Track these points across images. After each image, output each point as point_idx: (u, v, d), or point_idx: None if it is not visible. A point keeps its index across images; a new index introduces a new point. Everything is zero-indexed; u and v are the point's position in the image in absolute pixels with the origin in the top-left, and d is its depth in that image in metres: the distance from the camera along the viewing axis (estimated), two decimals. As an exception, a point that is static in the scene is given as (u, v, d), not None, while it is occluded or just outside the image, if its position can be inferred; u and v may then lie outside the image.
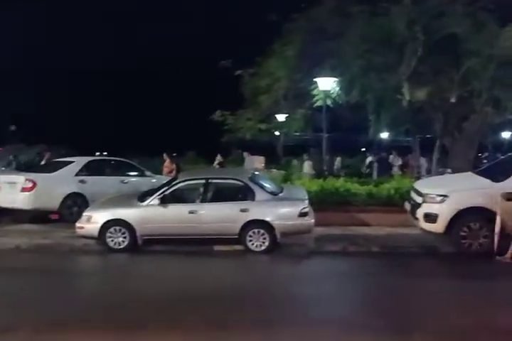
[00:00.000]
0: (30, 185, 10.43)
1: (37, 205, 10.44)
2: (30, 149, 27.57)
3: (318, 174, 13.85)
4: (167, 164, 14.08)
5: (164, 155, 14.46)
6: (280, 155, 24.80)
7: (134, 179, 12.23)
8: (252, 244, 8.34)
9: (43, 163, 15.05)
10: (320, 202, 10.02)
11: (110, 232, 8.44)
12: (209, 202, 8.66)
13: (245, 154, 17.41)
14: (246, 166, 16.21)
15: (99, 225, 8.44)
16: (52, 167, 11.74)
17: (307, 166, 16.24)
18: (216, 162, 17.46)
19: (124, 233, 8.45)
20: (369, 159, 20.01)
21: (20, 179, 10.65)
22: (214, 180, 8.95)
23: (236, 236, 8.40)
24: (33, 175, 10.90)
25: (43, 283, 6.74)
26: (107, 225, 8.44)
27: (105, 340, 4.74)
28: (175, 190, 8.78)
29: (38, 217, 10.73)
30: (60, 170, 11.37)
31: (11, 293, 6.17)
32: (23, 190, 10.45)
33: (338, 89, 14.72)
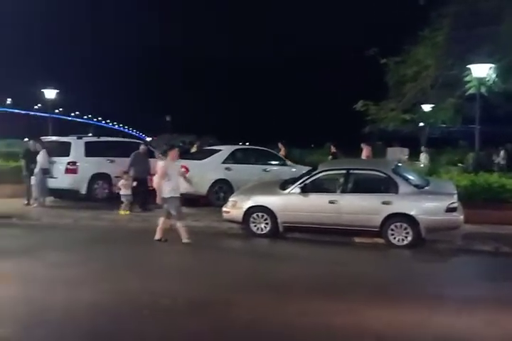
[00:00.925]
0: (183, 170, 11.33)
1: (188, 190, 11.31)
2: (182, 138, 30.04)
3: (476, 169, 12.63)
4: (282, 153, 14.54)
5: (279, 144, 14.93)
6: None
7: (275, 168, 12.67)
8: (394, 238, 8.10)
9: (193, 150, 16.25)
10: (469, 198, 9.33)
11: (253, 218, 8.84)
12: (349, 192, 8.60)
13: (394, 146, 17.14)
14: (388, 157, 15.75)
15: (243, 210, 8.89)
16: (202, 154, 12.67)
17: (423, 158, 15.53)
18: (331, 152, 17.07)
19: (266, 219, 8.79)
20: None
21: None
22: (355, 171, 8.84)
23: (377, 229, 8.22)
24: (185, 162, 11.84)
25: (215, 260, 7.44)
26: (251, 211, 8.84)
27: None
28: (316, 179, 8.87)
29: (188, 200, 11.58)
30: (209, 157, 12.23)
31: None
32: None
33: (494, 76, 13.52)
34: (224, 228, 9.40)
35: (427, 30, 15.56)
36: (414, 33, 16.21)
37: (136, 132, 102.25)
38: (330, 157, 16.65)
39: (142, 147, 12.18)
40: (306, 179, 8.89)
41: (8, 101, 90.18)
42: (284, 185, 9.26)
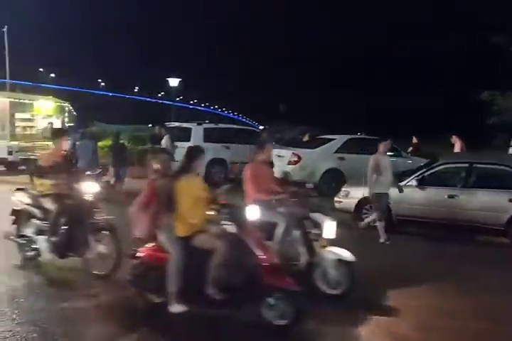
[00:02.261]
0: (295, 158, 11.49)
1: (300, 177, 11.45)
2: (294, 128, 30.24)
3: None
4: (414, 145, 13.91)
5: (414, 138, 14.22)
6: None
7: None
8: (521, 238, 7.50)
9: (305, 139, 16.32)
10: None
11: (366, 209, 8.71)
12: (471, 187, 8.08)
13: None
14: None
15: (356, 201, 8.80)
16: (315, 143, 12.70)
17: None
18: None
19: (379, 211, 8.60)
20: None
21: (288, 153, 11.83)
22: (478, 165, 8.28)
23: (501, 228, 7.66)
24: (298, 150, 11.99)
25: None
26: (364, 202, 8.72)
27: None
28: (434, 172, 8.48)
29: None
30: (322, 146, 12.23)
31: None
32: (290, 162, 11.60)
33: None
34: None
35: None
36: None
37: (249, 120, 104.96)
38: (410, 148, 15.34)
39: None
40: (424, 171, 8.53)
41: (136, 89, 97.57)
42: (400, 176, 8.96)
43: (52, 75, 74.31)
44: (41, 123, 15.81)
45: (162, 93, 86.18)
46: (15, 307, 4.62)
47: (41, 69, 73.02)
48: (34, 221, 5.83)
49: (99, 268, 5.45)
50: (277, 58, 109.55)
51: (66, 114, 16.55)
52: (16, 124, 14.98)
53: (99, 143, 15.00)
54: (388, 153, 12.32)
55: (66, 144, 6.21)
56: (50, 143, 14.07)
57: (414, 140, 15.26)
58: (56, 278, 5.58)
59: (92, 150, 11.52)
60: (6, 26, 33.35)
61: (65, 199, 5.61)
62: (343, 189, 9.27)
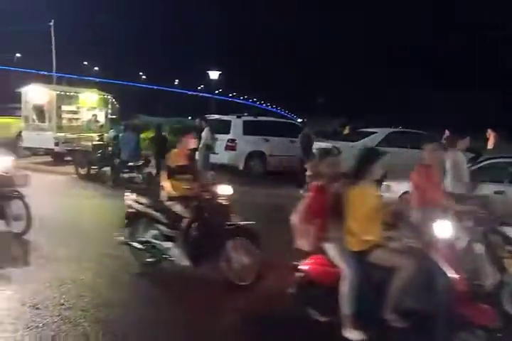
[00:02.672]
0: (335, 152, 11.35)
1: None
2: (334, 120, 29.96)
3: None
4: (491, 142, 13.00)
5: (489, 130, 13.28)
6: None
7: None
8: None
9: (345, 132, 16.13)
10: None
11: (408, 203, 8.54)
12: (520, 183, 7.79)
13: None
14: None
15: (397, 195, 8.63)
16: (354, 137, 12.53)
17: None
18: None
19: (420, 206, 8.41)
20: None
21: (329, 146, 11.71)
22: (529, 160, 7.96)
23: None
24: (338, 143, 11.85)
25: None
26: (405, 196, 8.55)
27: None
28: (480, 167, 8.21)
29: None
30: (363, 139, 12.04)
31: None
32: (330, 156, 11.48)
33: None
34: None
35: None
36: None
37: (287, 113, 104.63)
38: (490, 142, 14.52)
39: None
40: (470, 166, 8.26)
41: (176, 82, 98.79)
42: (445, 171, 8.74)
43: (96, 68, 76.17)
44: (86, 116, 16.22)
45: (201, 86, 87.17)
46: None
47: (85, 63, 74.92)
48: (156, 225, 5.39)
49: (238, 278, 5.07)
50: (314, 50, 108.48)
51: (109, 106, 16.90)
52: (62, 116, 15.42)
53: (141, 135, 15.30)
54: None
55: (192, 143, 5.77)
56: (94, 134, 14.59)
57: (491, 133, 13.78)
58: (188, 289, 5.16)
59: (135, 142, 11.78)
60: (52, 20, 34.34)
61: (199, 202, 5.16)
62: (384, 183, 9.09)
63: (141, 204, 5.52)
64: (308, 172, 10.75)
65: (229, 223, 5.08)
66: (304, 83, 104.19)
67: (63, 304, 4.40)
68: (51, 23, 34.30)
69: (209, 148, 12.71)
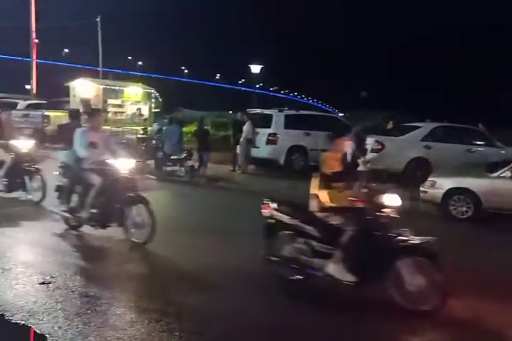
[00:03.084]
0: (379, 146, 11.17)
1: (383, 166, 11.10)
2: (376, 115, 29.38)
3: None
4: None
5: None
6: None
7: (481, 149, 11.60)
8: None
9: (389, 127, 15.81)
10: None
11: (453, 200, 8.32)
12: None
13: None
14: None
15: (442, 192, 8.42)
16: (399, 131, 12.27)
17: None
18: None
19: (468, 203, 8.18)
20: None
21: (371, 141, 11.52)
22: None
23: None
24: (381, 138, 11.64)
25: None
26: (451, 193, 8.32)
27: None
28: None
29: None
30: (407, 134, 11.79)
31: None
32: (373, 150, 11.29)
33: None
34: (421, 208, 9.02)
35: None
36: None
37: (328, 107, 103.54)
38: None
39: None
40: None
41: (217, 76, 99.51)
42: (492, 167, 8.46)
43: (140, 63, 77.65)
44: (130, 109, 16.60)
45: (242, 80, 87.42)
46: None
47: (130, 58, 76.48)
48: (303, 239, 4.73)
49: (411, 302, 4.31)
50: (356, 44, 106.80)
51: (153, 100, 17.22)
52: (108, 110, 15.84)
53: (184, 129, 15.52)
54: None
55: (348, 146, 5.18)
56: (138, 127, 14.91)
57: (481, 125, 13.23)
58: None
59: (178, 136, 11.96)
60: (99, 16, 35.19)
61: (363, 216, 4.49)
62: (429, 179, 8.89)
63: (285, 214, 4.85)
64: (360, 168, 10.65)
65: (401, 239, 4.37)
66: (346, 77, 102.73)
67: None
68: (98, 19, 35.14)
69: (250, 142, 12.76)
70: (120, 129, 15.40)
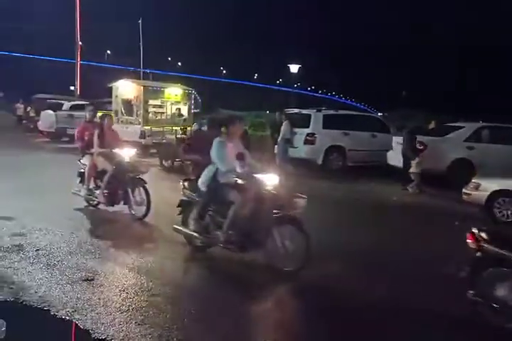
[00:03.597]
0: (421, 147, 10.89)
1: (425, 167, 10.85)
2: (418, 114, 28.81)
3: None
4: None
5: None
6: None
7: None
8: None
9: (431, 126, 15.43)
10: None
11: (498, 203, 8.05)
12: None
13: None
14: None
15: (487, 194, 8.16)
16: (442, 131, 11.95)
17: None
18: None
19: (514, 206, 7.90)
20: None
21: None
22: None
23: None
24: (424, 138, 11.35)
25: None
26: (496, 195, 8.05)
27: None
28: None
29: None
30: (450, 134, 11.49)
31: None
32: (415, 151, 11.02)
33: None
34: (460, 210, 8.79)
35: None
36: None
37: (367, 107, 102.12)
38: None
39: None
40: None
41: (255, 76, 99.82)
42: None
43: (179, 64, 78.83)
44: (170, 110, 16.81)
45: (280, 80, 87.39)
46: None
47: (169, 58, 77.74)
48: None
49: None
50: (399, 45, 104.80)
51: (192, 101, 17.39)
52: (149, 110, 16.09)
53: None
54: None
55: None
56: (177, 128, 15.08)
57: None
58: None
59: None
60: (140, 18, 35.90)
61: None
62: (473, 180, 8.63)
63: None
64: (412, 170, 10.38)
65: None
66: (385, 76, 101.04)
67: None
68: (139, 21, 35.86)
69: (288, 142, 12.72)
70: (160, 129, 15.63)
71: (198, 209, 5.56)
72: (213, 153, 5.41)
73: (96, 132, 7.47)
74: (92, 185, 7.63)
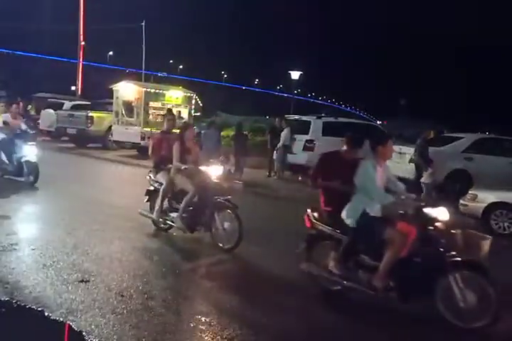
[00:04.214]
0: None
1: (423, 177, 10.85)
2: (415, 124, 28.87)
3: None
4: None
5: None
6: None
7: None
8: None
9: (430, 137, 15.46)
10: None
11: (495, 215, 8.07)
12: None
13: None
14: None
15: (483, 206, 8.19)
16: (440, 141, 11.98)
17: None
18: None
19: (510, 218, 7.93)
20: None
21: (410, 150, 11.30)
22: None
23: None
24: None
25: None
26: (493, 207, 8.08)
27: None
28: None
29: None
30: (448, 145, 11.53)
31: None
32: (411, 160, 11.06)
33: None
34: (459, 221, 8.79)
35: None
36: None
37: (366, 115, 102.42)
38: None
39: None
40: None
41: (256, 81, 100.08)
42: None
43: (181, 67, 79.02)
44: (170, 112, 16.83)
45: (280, 86, 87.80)
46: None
47: (171, 61, 77.90)
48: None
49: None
50: (398, 52, 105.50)
51: (193, 104, 17.43)
52: (149, 112, 16.13)
53: (222, 133, 15.65)
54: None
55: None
56: (177, 130, 15.07)
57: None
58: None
59: (216, 139, 12.08)
60: (144, 21, 35.98)
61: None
62: (470, 192, 8.66)
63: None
64: (423, 180, 10.05)
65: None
66: (385, 84, 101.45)
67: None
68: (143, 24, 35.93)
69: (287, 148, 12.74)
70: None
71: (347, 250, 4.63)
72: (365, 180, 4.50)
73: (176, 145, 6.44)
74: (165, 206, 6.58)
